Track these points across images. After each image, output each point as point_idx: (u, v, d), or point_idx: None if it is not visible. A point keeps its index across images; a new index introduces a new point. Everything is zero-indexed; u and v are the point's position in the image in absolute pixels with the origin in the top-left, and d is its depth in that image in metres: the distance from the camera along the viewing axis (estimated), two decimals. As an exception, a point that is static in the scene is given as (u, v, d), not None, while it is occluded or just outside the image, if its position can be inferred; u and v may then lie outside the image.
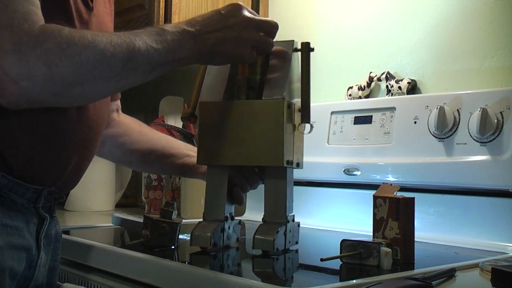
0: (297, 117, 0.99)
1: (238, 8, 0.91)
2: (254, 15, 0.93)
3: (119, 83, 0.82)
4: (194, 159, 1.04)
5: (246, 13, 0.91)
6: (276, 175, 0.97)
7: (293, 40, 1.00)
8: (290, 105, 0.96)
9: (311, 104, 0.98)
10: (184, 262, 0.87)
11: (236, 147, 0.96)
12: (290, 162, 0.96)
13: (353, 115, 1.40)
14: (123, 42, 0.80)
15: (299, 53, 0.99)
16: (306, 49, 0.99)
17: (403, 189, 0.99)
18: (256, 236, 0.94)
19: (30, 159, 0.88)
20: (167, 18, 1.59)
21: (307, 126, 0.99)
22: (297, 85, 0.99)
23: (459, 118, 1.19)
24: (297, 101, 0.99)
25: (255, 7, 1.02)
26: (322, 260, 0.86)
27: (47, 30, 0.76)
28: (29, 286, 0.91)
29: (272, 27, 0.94)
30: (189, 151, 1.17)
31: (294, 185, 1.01)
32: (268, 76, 0.97)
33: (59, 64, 0.75)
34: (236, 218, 1.04)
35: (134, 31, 0.84)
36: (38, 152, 0.89)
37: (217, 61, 0.93)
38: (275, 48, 0.98)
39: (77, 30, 0.82)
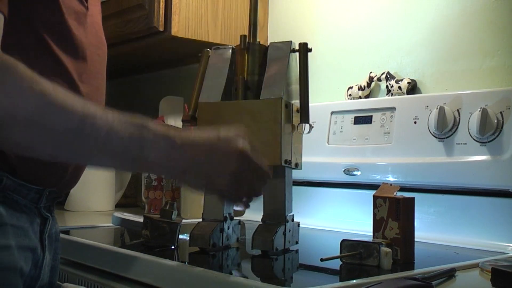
0: (296, 118, 0.99)
1: (239, 156, 0.79)
2: (254, 157, 0.81)
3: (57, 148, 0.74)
4: None
5: (245, 162, 0.80)
6: (274, 174, 0.97)
7: (291, 41, 1.00)
8: (287, 105, 0.96)
9: (310, 104, 0.98)
10: (184, 262, 0.87)
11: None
12: (288, 162, 0.96)
13: (353, 115, 1.40)
14: (82, 107, 0.72)
15: (297, 54, 0.99)
16: (304, 49, 0.99)
17: (403, 189, 0.99)
18: (255, 236, 0.94)
19: (32, 160, 0.88)
20: (167, 18, 1.59)
21: (306, 126, 0.99)
22: (295, 86, 0.99)
23: (459, 118, 1.19)
24: (296, 102, 0.99)
25: (255, 7, 1.02)
26: (322, 260, 0.86)
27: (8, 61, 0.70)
28: (36, 286, 0.91)
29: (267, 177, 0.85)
30: None
31: (294, 185, 1.01)
32: (265, 77, 0.98)
33: None
34: (236, 218, 1.04)
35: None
36: None
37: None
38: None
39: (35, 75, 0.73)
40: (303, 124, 0.99)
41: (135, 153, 0.75)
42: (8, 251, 0.82)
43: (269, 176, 0.84)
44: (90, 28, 0.94)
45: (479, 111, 1.14)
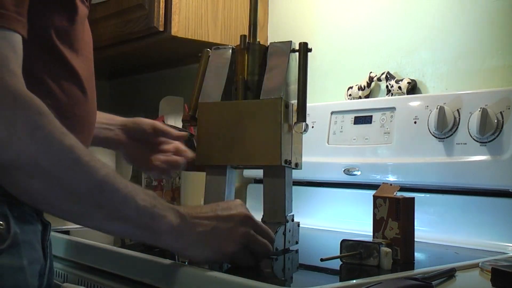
0: (295, 118, 0.99)
1: (243, 219, 0.82)
2: (259, 227, 0.85)
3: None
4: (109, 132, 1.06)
5: (250, 227, 0.82)
6: (274, 174, 0.97)
7: (291, 41, 1.00)
8: (287, 105, 0.96)
9: (309, 104, 0.99)
10: (184, 262, 0.87)
11: (234, 147, 0.96)
12: (288, 162, 0.96)
13: (353, 115, 1.40)
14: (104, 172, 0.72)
15: (297, 54, 0.99)
16: (304, 49, 0.99)
17: (403, 189, 0.99)
18: (256, 236, 0.93)
19: None
20: (167, 18, 1.59)
21: (303, 125, 0.99)
22: (295, 86, 0.99)
23: (459, 118, 1.19)
24: (295, 102, 0.99)
25: (255, 7, 1.02)
26: (322, 260, 0.86)
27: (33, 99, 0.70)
28: None
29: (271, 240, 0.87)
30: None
31: (294, 185, 1.01)
32: (265, 77, 0.98)
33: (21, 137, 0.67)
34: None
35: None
36: None
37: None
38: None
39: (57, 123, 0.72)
40: (301, 123, 0.99)
41: (147, 221, 0.76)
42: (23, 272, 0.80)
43: (273, 238, 0.87)
44: (86, 27, 0.94)
45: (479, 111, 1.14)
